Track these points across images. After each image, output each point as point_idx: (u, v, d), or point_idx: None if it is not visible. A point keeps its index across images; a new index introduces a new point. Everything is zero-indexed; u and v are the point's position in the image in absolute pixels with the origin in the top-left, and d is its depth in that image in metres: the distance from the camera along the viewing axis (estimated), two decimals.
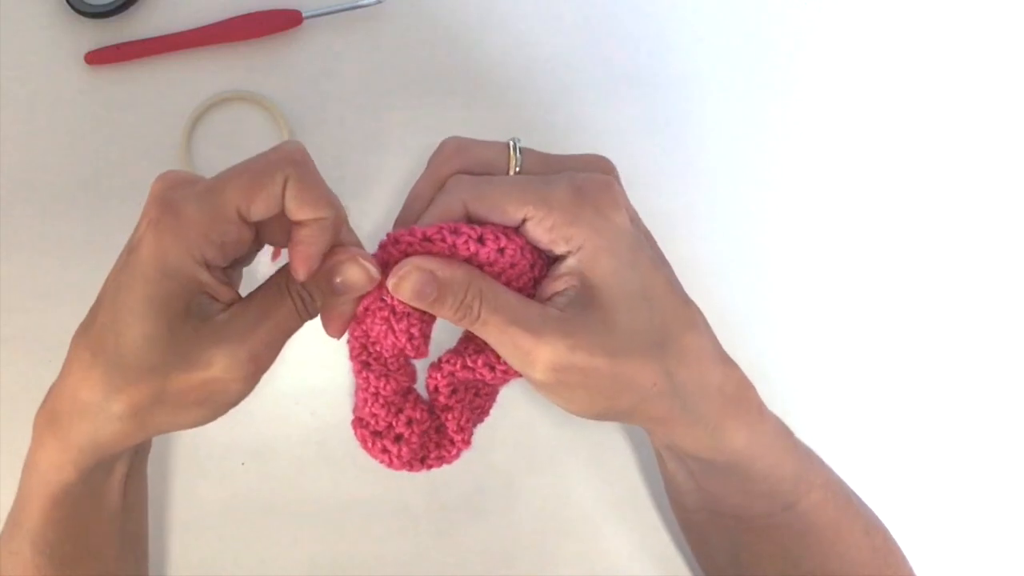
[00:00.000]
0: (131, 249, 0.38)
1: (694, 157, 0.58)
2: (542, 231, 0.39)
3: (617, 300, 0.39)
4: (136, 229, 0.38)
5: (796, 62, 0.60)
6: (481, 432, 0.55)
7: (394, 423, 0.43)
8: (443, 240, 0.39)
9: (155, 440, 0.55)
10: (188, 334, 0.37)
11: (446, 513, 0.55)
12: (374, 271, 0.38)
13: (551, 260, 0.41)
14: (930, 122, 0.59)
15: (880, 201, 0.59)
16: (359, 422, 0.44)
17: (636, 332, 0.39)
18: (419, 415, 0.44)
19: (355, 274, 0.38)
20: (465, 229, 0.39)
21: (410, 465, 0.45)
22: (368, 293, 0.40)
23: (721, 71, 0.59)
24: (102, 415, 0.38)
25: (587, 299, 0.39)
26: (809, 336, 0.57)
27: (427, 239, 0.39)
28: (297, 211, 0.37)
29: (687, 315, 0.41)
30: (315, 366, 0.55)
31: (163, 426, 0.39)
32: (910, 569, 0.47)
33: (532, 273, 0.41)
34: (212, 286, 0.38)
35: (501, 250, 0.39)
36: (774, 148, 0.59)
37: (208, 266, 0.37)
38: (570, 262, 0.39)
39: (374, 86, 0.58)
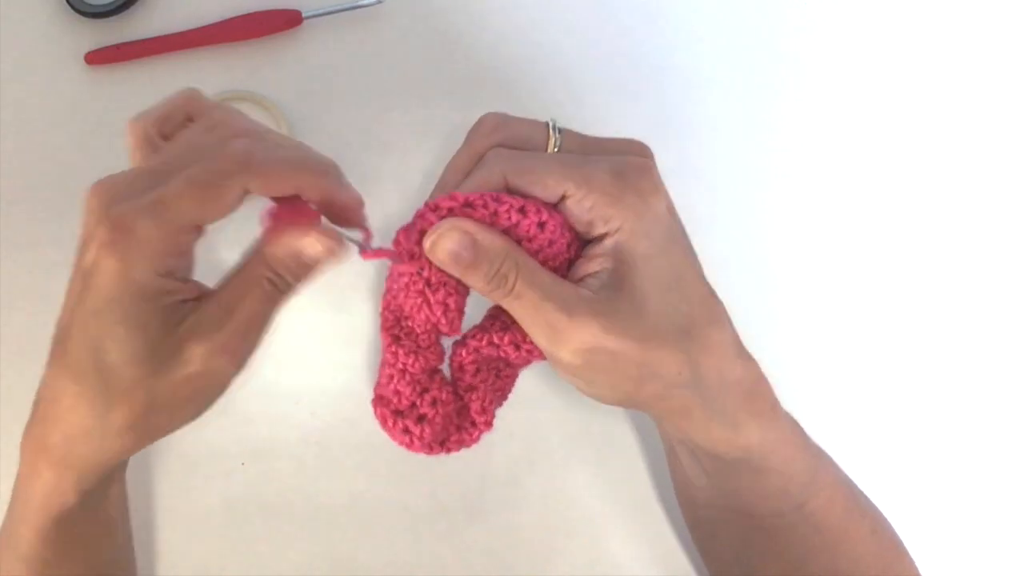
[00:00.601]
0: (87, 274, 0.37)
1: (695, 157, 0.58)
2: (581, 210, 0.39)
3: (650, 286, 0.39)
4: (84, 250, 0.37)
5: (797, 62, 0.60)
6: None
7: (418, 403, 0.43)
8: (485, 207, 0.38)
9: (157, 441, 0.55)
10: (165, 338, 0.37)
11: (446, 513, 0.55)
12: (333, 244, 0.38)
13: (584, 243, 0.41)
14: (930, 121, 0.59)
15: (881, 200, 0.59)
16: (380, 400, 0.43)
17: (665, 319, 0.39)
18: (444, 396, 0.43)
19: (314, 248, 0.38)
20: (507, 198, 0.39)
21: (430, 448, 0.44)
22: (404, 265, 0.39)
23: (722, 71, 0.59)
24: (102, 435, 0.38)
25: (619, 282, 0.39)
26: (811, 336, 0.57)
27: (468, 204, 0.38)
28: (271, 194, 0.37)
29: (713, 308, 0.41)
30: (315, 366, 0.55)
31: (162, 429, 0.39)
32: (915, 569, 0.47)
33: (568, 254, 0.40)
34: (178, 290, 0.37)
35: (541, 224, 0.39)
36: (775, 148, 0.59)
37: (171, 274, 0.37)
38: (607, 243, 0.39)
39: (374, 86, 0.58)
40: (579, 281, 0.40)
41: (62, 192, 0.57)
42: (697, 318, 0.40)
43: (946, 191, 0.59)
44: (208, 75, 0.58)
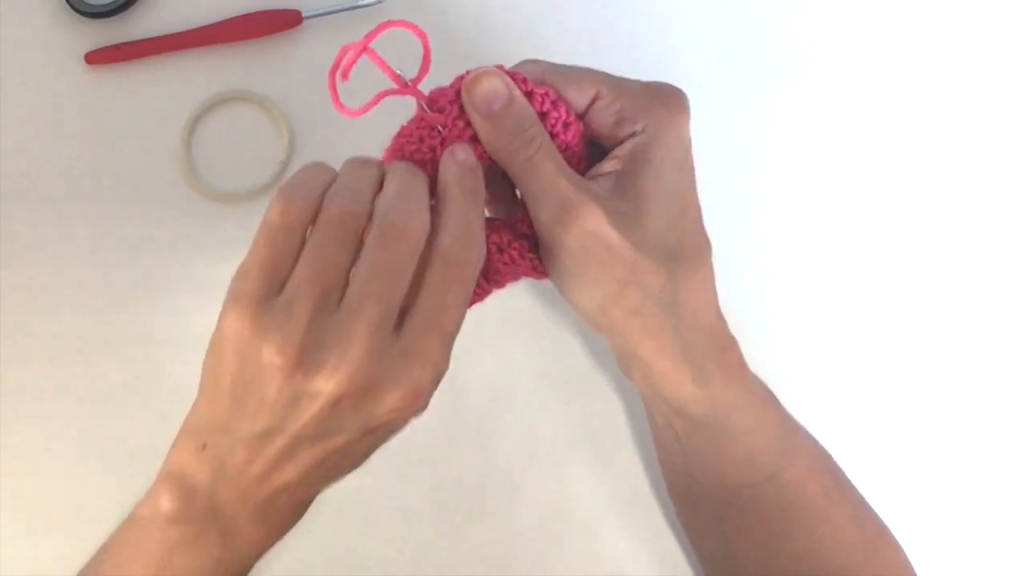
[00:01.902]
0: (372, 424, 0.35)
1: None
2: (610, 112, 0.40)
3: (655, 197, 0.40)
4: (368, 401, 0.35)
5: (796, 63, 0.60)
6: (481, 432, 0.55)
7: None
8: (524, 83, 0.39)
9: (155, 440, 0.55)
10: None
11: (446, 513, 0.55)
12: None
13: (591, 165, 0.42)
14: (927, 119, 0.59)
15: (879, 201, 0.59)
16: None
17: (661, 234, 0.40)
18: None
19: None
20: (543, 89, 0.40)
21: None
22: (425, 119, 0.40)
23: (721, 72, 0.59)
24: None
25: (628, 185, 0.40)
26: (810, 336, 0.57)
27: (509, 75, 0.39)
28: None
29: (704, 244, 0.42)
30: None
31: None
32: (904, 557, 0.47)
33: (578, 167, 0.41)
34: None
35: (567, 125, 0.40)
36: (774, 148, 0.59)
37: None
38: (626, 146, 0.40)
39: (374, 86, 0.58)
40: (590, 180, 0.41)
41: (62, 192, 0.57)
42: (688, 246, 0.41)
43: (943, 189, 0.59)
44: (208, 75, 0.58)
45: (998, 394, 0.57)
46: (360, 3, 0.58)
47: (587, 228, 0.39)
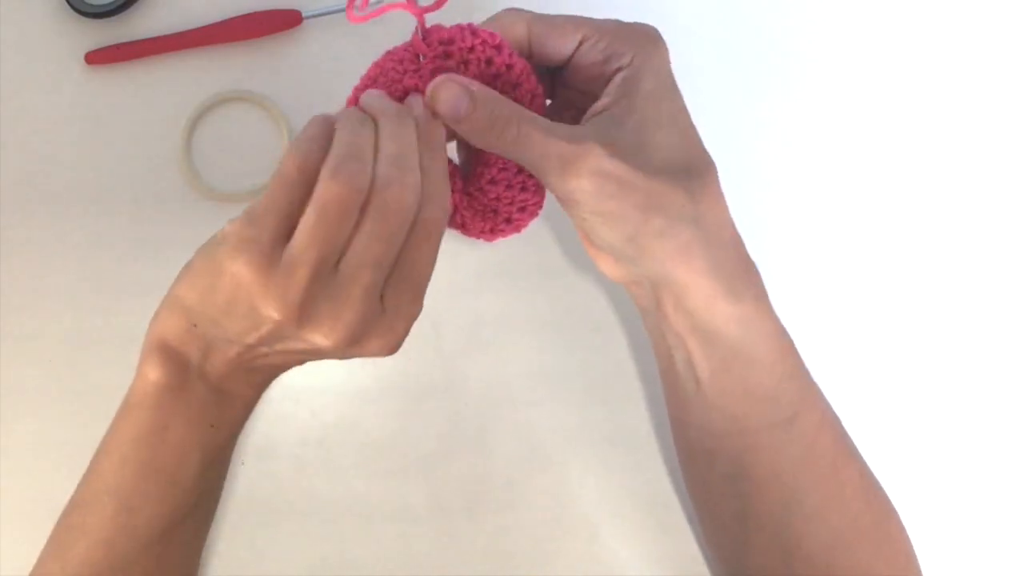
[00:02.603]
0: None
1: None
2: (596, 52, 0.42)
3: (655, 121, 0.41)
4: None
5: (796, 63, 0.60)
6: (481, 432, 0.55)
7: None
8: (463, 41, 0.41)
9: None
10: None
11: (446, 513, 0.55)
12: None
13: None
14: (930, 120, 0.59)
15: (879, 200, 0.59)
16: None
17: (667, 153, 0.41)
18: None
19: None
20: (482, 32, 0.41)
21: None
22: (409, 47, 0.42)
23: (720, 68, 0.59)
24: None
25: (623, 117, 0.41)
26: (808, 337, 0.57)
27: (447, 41, 0.41)
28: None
29: (708, 158, 0.43)
30: (315, 366, 0.55)
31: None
32: (905, 533, 0.47)
33: (531, 105, 0.42)
34: None
35: (509, 66, 0.41)
36: (773, 148, 0.59)
37: None
38: (616, 80, 0.42)
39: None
40: (586, 122, 0.42)
41: (62, 192, 0.57)
42: (695, 161, 0.42)
43: (943, 190, 0.59)
44: (208, 75, 0.58)
45: (994, 384, 0.57)
46: None
47: (593, 169, 0.40)
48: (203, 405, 0.41)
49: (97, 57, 0.57)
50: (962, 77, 0.60)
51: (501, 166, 0.43)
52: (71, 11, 0.57)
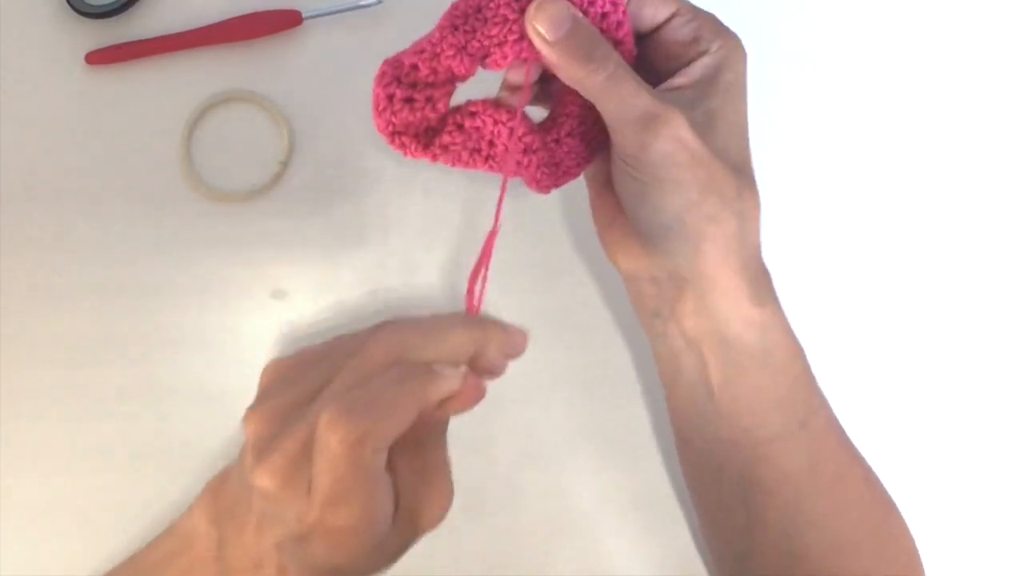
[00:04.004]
0: (303, 544, 0.36)
1: None
2: (687, 29, 0.42)
3: (723, 112, 0.42)
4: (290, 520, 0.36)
5: (796, 63, 0.60)
6: (481, 431, 0.55)
7: (418, 83, 0.42)
8: None
9: (155, 440, 0.55)
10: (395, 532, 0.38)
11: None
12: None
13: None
14: (931, 120, 0.59)
15: (880, 201, 0.59)
16: (393, 60, 0.43)
17: (727, 148, 0.42)
18: (441, 107, 0.43)
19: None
20: None
21: (395, 136, 0.43)
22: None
23: None
24: None
25: (696, 100, 0.41)
26: (809, 337, 0.57)
27: None
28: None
29: (752, 172, 0.44)
30: None
31: None
32: (909, 534, 0.47)
33: (630, 62, 0.41)
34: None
35: (619, 23, 0.41)
36: (773, 149, 0.59)
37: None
38: (696, 65, 0.42)
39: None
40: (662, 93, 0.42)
41: (62, 192, 0.57)
42: (745, 166, 0.43)
43: (944, 190, 0.59)
44: (208, 75, 0.58)
45: (996, 385, 0.57)
46: (360, 3, 0.58)
47: (673, 133, 0.40)
48: None
49: (97, 57, 0.57)
50: (962, 78, 0.60)
51: (580, 118, 0.43)
52: (71, 11, 0.57)
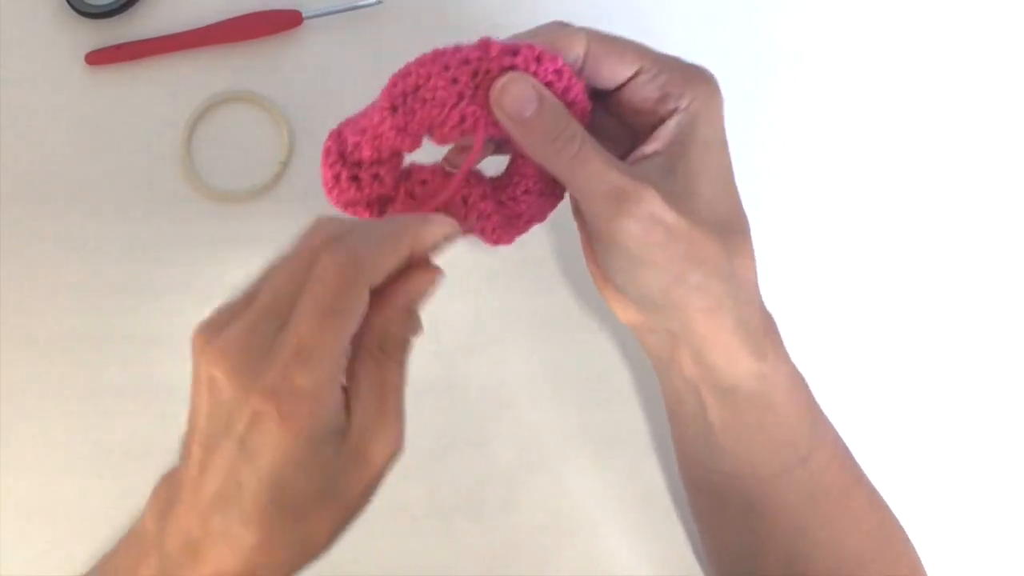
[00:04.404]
0: (244, 443, 0.33)
1: None
2: (653, 87, 0.40)
3: (705, 173, 0.40)
4: (229, 419, 0.33)
5: (797, 63, 0.60)
6: (480, 433, 0.55)
7: (365, 167, 0.41)
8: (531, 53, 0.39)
9: (156, 441, 0.55)
10: (338, 461, 0.35)
11: (446, 513, 0.55)
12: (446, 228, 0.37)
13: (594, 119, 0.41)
14: (931, 121, 0.59)
15: (881, 202, 0.59)
16: (338, 135, 0.41)
17: (712, 207, 0.40)
18: (389, 180, 0.42)
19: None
20: (530, 50, 0.39)
21: (348, 205, 0.42)
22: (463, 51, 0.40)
23: (720, 72, 0.59)
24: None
25: (674, 164, 0.40)
26: (809, 338, 0.57)
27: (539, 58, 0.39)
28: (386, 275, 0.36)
29: (745, 218, 0.42)
30: None
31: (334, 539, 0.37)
32: (914, 550, 0.47)
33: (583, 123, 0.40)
34: (338, 415, 0.35)
35: (566, 89, 0.40)
36: (773, 149, 0.59)
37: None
38: (670, 124, 0.40)
39: (374, 86, 0.58)
40: (632, 164, 0.40)
41: (62, 192, 0.57)
42: (735, 221, 0.41)
43: (944, 191, 0.59)
44: (208, 75, 0.58)
45: (1000, 391, 0.57)
46: (360, 3, 0.58)
47: (645, 212, 0.39)
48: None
49: (97, 57, 0.57)
50: (961, 79, 0.60)
51: (536, 177, 0.42)
52: (71, 11, 0.57)
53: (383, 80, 0.61)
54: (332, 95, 0.58)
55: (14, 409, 0.55)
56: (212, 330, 0.34)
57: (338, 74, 0.58)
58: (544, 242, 0.57)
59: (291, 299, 0.34)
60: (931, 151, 0.59)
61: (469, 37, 0.58)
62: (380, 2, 0.58)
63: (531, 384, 0.56)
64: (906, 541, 0.48)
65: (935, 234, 0.58)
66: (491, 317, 0.57)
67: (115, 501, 0.54)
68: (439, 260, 0.38)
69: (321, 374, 0.33)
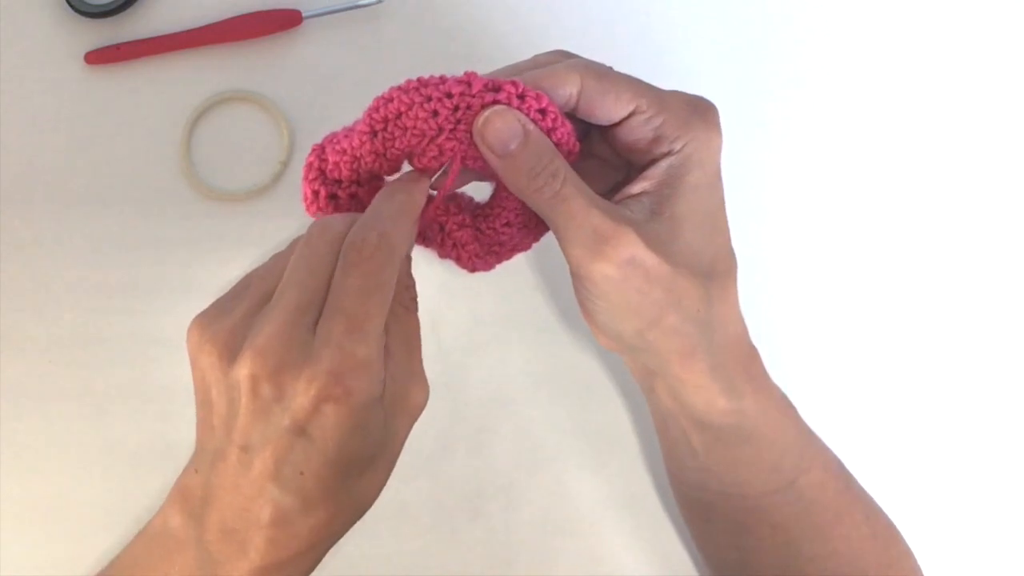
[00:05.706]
0: (303, 428, 0.34)
1: None
2: (648, 128, 0.39)
3: (689, 215, 0.39)
4: (287, 402, 0.34)
5: (796, 64, 0.60)
6: (480, 434, 0.56)
7: (344, 184, 0.41)
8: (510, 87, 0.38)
9: (156, 441, 0.55)
10: (384, 422, 0.36)
11: (446, 513, 0.55)
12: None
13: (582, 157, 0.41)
14: (932, 123, 0.59)
15: (882, 205, 0.59)
16: (320, 151, 0.41)
17: (695, 252, 0.40)
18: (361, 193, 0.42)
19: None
20: (529, 96, 0.38)
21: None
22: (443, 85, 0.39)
23: (719, 72, 0.59)
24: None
25: (660, 206, 0.39)
26: (810, 339, 0.57)
27: (495, 89, 0.38)
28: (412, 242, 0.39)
29: (732, 260, 0.42)
30: None
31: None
32: (913, 559, 0.47)
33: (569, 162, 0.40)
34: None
35: (551, 130, 0.39)
36: (772, 150, 0.59)
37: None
38: (661, 165, 0.40)
39: (374, 86, 0.58)
40: (619, 203, 0.40)
41: (62, 192, 0.57)
42: (719, 263, 0.41)
43: (945, 192, 0.59)
44: (208, 75, 0.58)
45: (1001, 395, 0.57)
46: (360, 3, 0.58)
47: (625, 256, 0.38)
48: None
49: (97, 57, 0.57)
50: (961, 80, 0.60)
51: (518, 211, 0.42)
52: (71, 11, 0.57)
53: (383, 80, 0.61)
54: (332, 94, 0.58)
55: (14, 409, 0.55)
56: (232, 337, 0.35)
57: (338, 73, 0.58)
58: (544, 242, 0.57)
59: (320, 292, 0.35)
60: (932, 174, 0.59)
61: (469, 37, 0.59)
62: (380, 1, 0.58)
63: (530, 384, 0.56)
64: (905, 553, 0.47)
65: (933, 252, 0.58)
66: (491, 317, 0.57)
67: (115, 501, 0.54)
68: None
69: (373, 343, 0.34)
